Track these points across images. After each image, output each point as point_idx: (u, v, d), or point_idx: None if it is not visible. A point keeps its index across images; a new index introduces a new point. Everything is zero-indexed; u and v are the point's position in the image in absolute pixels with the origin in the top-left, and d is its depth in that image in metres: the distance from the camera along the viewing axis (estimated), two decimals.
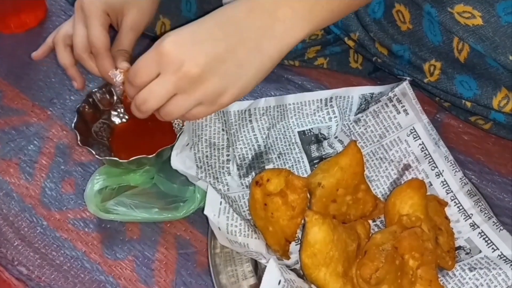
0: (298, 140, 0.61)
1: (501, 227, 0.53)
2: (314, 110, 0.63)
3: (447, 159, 0.57)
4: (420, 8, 0.57)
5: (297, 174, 0.58)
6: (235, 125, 0.61)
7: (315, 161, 0.60)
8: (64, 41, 0.62)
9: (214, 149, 0.58)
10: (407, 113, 0.58)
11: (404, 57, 0.61)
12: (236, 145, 0.60)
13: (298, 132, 0.62)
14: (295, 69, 0.73)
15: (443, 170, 0.56)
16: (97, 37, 0.58)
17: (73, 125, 0.60)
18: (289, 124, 0.62)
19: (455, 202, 0.56)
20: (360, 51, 0.67)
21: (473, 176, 0.61)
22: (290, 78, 0.72)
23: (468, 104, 0.59)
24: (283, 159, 0.60)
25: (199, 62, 0.48)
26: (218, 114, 0.60)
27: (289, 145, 0.61)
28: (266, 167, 0.59)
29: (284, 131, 0.62)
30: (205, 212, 0.50)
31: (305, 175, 0.58)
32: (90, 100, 0.63)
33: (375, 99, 0.60)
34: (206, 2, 0.71)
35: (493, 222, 0.54)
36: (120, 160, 0.56)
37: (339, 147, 0.60)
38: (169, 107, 0.51)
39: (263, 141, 0.60)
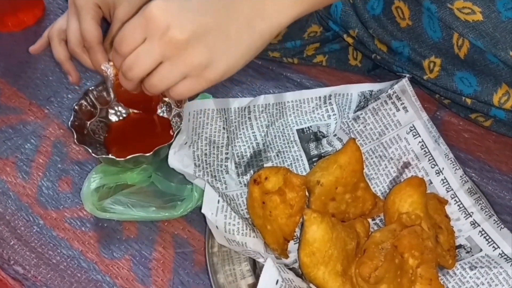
0: (296, 138, 0.61)
1: (502, 225, 0.53)
2: (313, 107, 0.62)
3: (447, 156, 0.56)
4: (419, 4, 0.57)
5: (295, 172, 0.58)
6: (235, 122, 0.60)
7: (314, 159, 0.59)
8: (59, 36, 0.62)
9: (214, 147, 0.57)
10: (407, 111, 0.57)
11: (404, 53, 0.61)
12: (235, 143, 0.59)
13: (297, 130, 0.61)
14: (294, 66, 0.73)
15: (443, 168, 0.56)
16: (89, 31, 0.58)
17: (69, 123, 0.59)
18: (288, 122, 0.61)
19: (455, 200, 0.55)
20: (359, 48, 0.66)
21: (473, 174, 0.61)
22: (289, 75, 0.71)
23: (468, 100, 0.58)
24: (281, 157, 0.59)
25: (185, 28, 0.47)
26: (220, 112, 0.59)
27: (288, 143, 0.60)
28: (265, 165, 0.58)
29: (283, 129, 0.61)
30: (202, 211, 0.49)
31: (304, 173, 0.58)
32: (87, 98, 0.63)
33: (374, 96, 0.60)
34: None
35: (494, 220, 0.53)
36: (117, 159, 0.56)
37: (338, 145, 0.60)
38: (154, 77, 0.49)
39: (262, 139, 0.60)
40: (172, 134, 0.59)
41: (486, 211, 0.54)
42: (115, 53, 0.51)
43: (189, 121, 0.57)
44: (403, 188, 0.52)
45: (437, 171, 0.56)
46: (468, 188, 0.55)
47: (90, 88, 0.63)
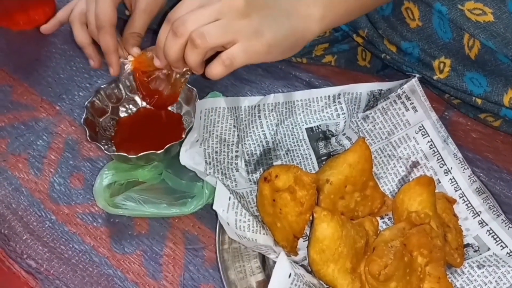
0: (306, 136, 0.61)
1: (510, 225, 0.53)
2: (322, 106, 0.62)
3: (455, 156, 0.57)
4: (429, 5, 0.57)
5: (304, 170, 0.58)
6: (245, 120, 0.61)
7: (323, 158, 0.60)
8: (80, 20, 0.62)
9: (224, 145, 0.58)
10: (416, 110, 0.58)
11: (413, 54, 0.61)
12: (245, 141, 0.60)
13: (306, 128, 0.62)
14: (303, 66, 0.73)
15: (451, 168, 0.56)
16: (103, 10, 0.58)
17: (82, 120, 0.60)
18: (297, 121, 0.62)
19: (463, 199, 0.55)
20: (369, 48, 0.67)
21: (481, 174, 0.61)
22: (297, 75, 0.72)
23: (479, 101, 0.58)
24: (291, 156, 0.60)
25: None
26: (231, 111, 0.60)
27: (297, 141, 0.61)
28: (274, 163, 0.59)
29: (292, 127, 0.61)
30: (214, 207, 0.50)
31: (313, 172, 0.58)
32: (99, 96, 0.64)
33: (383, 95, 0.60)
34: None
35: (502, 219, 0.53)
36: (129, 156, 0.57)
37: (347, 144, 0.60)
38: (206, 27, 0.49)
39: (272, 138, 0.61)
40: (182, 131, 0.59)
41: (494, 211, 0.54)
42: (166, 24, 0.51)
43: (200, 119, 0.58)
44: (412, 187, 0.53)
45: (445, 171, 0.56)
46: (476, 187, 0.55)
47: (102, 86, 0.64)
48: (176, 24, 0.49)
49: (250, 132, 0.60)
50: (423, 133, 0.58)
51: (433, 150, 0.57)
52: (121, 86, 0.65)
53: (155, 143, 0.60)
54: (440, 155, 0.57)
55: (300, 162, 0.59)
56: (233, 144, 0.59)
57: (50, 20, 0.67)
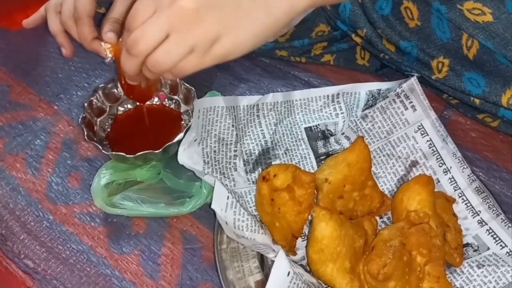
0: (304, 136, 0.61)
1: (510, 224, 0.53)
2: (320, 106, 0.62)
3: (455, 155, 0.56)
4: (428, 5, 0.57)
5: (303, 170, 0.58)
6: (243, 120, 0.61)
7: (321, 157, 0.60)
8: (56, 9, 0.61)
9: (223, 144, 0.58)
10: (415, 109, 0.58)
11: (412, 54, 0.61)
12: (243, 140, 0.60)
13: (305, 128, 0.62)
14: (301, 65, 0.73)
15: (450, 167, 0.56)
16: (82, 2, 0.57)
17: (79, 120, 0.60)
18: (296, 120, 0.62)
19: (463, 199, 0.55)
20: (367, 48, 0.67)
21: (480, 173, 0.61)
22: (296, 74, 0.72)
23: (477, 101, 0.58)
24: (289, 155, 0.59)
25: None
26: (229, 110, 0.59)
27: (296, 141, 0.60)
28: (273, 163, 0.59)
29: (291, 127, 0.61)
30: (212, 207, 0.50)
31: (312, 171, 0.58)
32: (97, 95, 0.64)
33: (382, 95, 0.60)
34: None
35: (502, 219, 0.53)
36: (127, 155, 0.56)
37: (346, 144, 0.60)
38: (159, 52, 0.45)
39: (270, 137, 0.60)
40: (179, 130, 0.59)
41: (493, 210, 0.54)
42: (126, 32, 0.49)
43: (198, 118, 0.58)
44: (411, 186, 0.53)
45: (444, 170, 0.56)
46: (476, 187, 0.55)
47: (100, 86, 0.64)
48: (129, 44, 0.46)
49: (249, 132, 0.60)
50: (422, 132, 0.57)
51: (432, 150, 0.57)
52: (119, 85, 0.65)
53: (153, 141, 0.60)
54: (439, 155, 0.57)
55: (299, 161, 0.59)
56: (231, 143, 0.59)
57: (33, 14, 0.66)
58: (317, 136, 0.61)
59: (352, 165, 0.53)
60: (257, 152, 0.59)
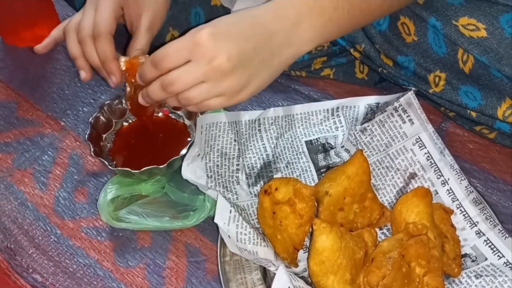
0: (305, 149, 0.62)
1: (507, 235, 0.54)
2: (321, 120, 0.64)
3: (452, 167, 0.58)
4: (424, 21, 0.58)
5: (304, 182, 0.59)
6: (245, 134, 0.62)
7: (322, 170, 0.61)
8: (76, 30, 0.62)
9: (225, 158, 0.59)
10: (413, 123, 0.59)
11: (409, 68, 0.62)
12: (245, 154, 0.61)
13: (306, 141, 0.63)
14: (302, 79, 0.74)
15: (448, 179, 0.57)
16: (104, 18, 0.59)
17: (86, 136, 0.62)
18: (297, 134, 0.63)
19: (460, 210, 0.56)
20: (366, 62, 0.68)
21: (478, 184, 0.62)
22: (297, 88, 0.73)
23: (473, 114, 0.59)
24: (291, 168, 0.61)
25: (232, 56, 0.51)
26: (231, 125, 0.61)
27: (297, 154, 0.62)
28: (274, 176, 0.60)
29: (292, 140, 0.63)
30: (215, 220, 0.51)
31: (313, 184, 0.59)
32: (103, 111, 0.65)
33: (381, 108, 0.61)
34: (214, 14, 0.73)
35: (499, 229, 0.54)
36: (132, 171, 0.58)
37: (345, 156, 0.61)
38: (191, 93, 0.53)
39: (272, 151, 0.62)
40: (183, 146, 0.60)
41: (491, 221, 0.55)
42: (151, 67, 0.54)
43: (201, 133, 0.59)
44: (409, 199, 0.54)
45: (442, 182, 0.57)
46: (473, 198, 0.56)
47: (106, 102, 0.65)
48: (165, 82, 0.53)
49: (251, 146, 0.62)
50: (420, 145, 0.59)
51: (430, 162, 0.58)
52: (124, 101, 0.66)
53: (158, 154, 0.61)
54: (437, 167, 0.58)
55: (300, 174, 0.61)
56: (233, 157, 0.60)
57: (45, 39, 0.68)
58: (318, 149, 0.62)
59: (352, 177, 0.54)
60: (259, 165, 0.61)
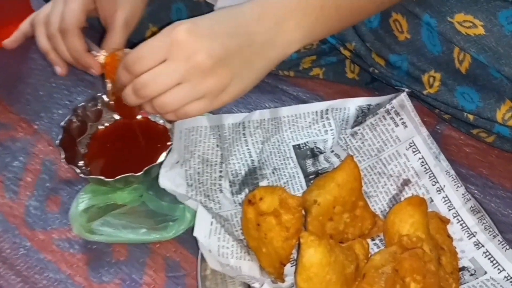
0: (293, 154, 0.59)
1: (507, 246, 0.51)
2: (309, 122, 0.60)
3: (448, 173, 0.54)
4: (418, 17, 0.55)
5: (292, 189, 0.56)
6: (229, 139, 0.58)
7: (310, 176, 0.58)
8: (44, 24, 0.59)
9: (207, 165, 0.56)
10: (406, 126, 0.56)
11: (402, 68, 0.59)
12: (229, 160, 0.57)
13: (293, 146, 0.60)
14: (290, 79, 0.71)
15: (444, 186, 0.54)
16: (72, 12, 0.55)
17: (57, 142, 0.58)
18: (284, 138, 0.60)
19: (457, 219, 0.53)
20: (357, 62, 0.65)
21: (476, 191, 0.59)
22: (285, 89, 0.70)
23: (471, 117, 0.56)
24: (277, 175, 0.57)
25: (213, 53, 0.47)
26: (213, 130, 0.57)
27: (284, 159, 0.58)
28: (260, 183, 0.57)
29: (279, 145, 0.59)
30: (194, 234, 0.47)
31: (301, 191, 0.56)
32: (77, 114, 0.61)
33: (372, 111, 0.58)
34: (196, 10, 0.70)
35: (499, 240, 0.51)
36: (106, 179, 0.54)
37: (335, 161, 0.58)
38: (169, 97, 0.49)
39: (257, 156, 0.58)
40: (163, 150, 0.57)
41: (490, 231, 0.52)
42: (124, 70, 0.50)
43: (180, 139, 0.55)
44: (403, 208, 0.50)
45: (438, 189, 0.54)
46: (471, 206, 0.53)
47: (79, 104, 0.61)
48: (137, 86, 0.49)
49: (235, 151, 0.58)
50: (414, 150, 0.55)
51: (425, 167, 0.55)
52: (99, 103, 0.62)
53: (136, 159, 0.58)
54: (432, 173, 0.55)
55: (287, 181, 0.57)
56: (216, 164, 0.56)
57: (13, 33, 0.64)
58: (306, 154, 0.59)
59: (342, 185, 0.51)
60: (243, 172, 0.57)
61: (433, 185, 0.54)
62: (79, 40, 0.56)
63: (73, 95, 0.70)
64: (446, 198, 0.54)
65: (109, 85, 0.56)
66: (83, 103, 0.62)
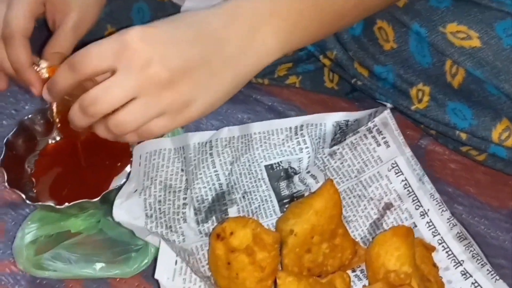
0: (265, 175, 0.54)
1: (497, 277, 0.47)
2: (282, 140, 0.55)
3: (432, 196, 0.51)
4: (405, 26, 0.51)
5: (264, 215, 0.51)
6: (194, 160, 0.53)
7: (285, 201, 0.53)
8: None
9: (170, 192, 0.50)
10: (388, 146, 0.52)
11: (388, 79, 0.55)
12: (194, 185, 0.52)
13: (265, 166, 0.55)
14: (264, 88, 0.66)
15: (428, 209, 0.51)
16: (16, 16, 0.48)
17: None
18: (255, 157, 0.55)
19: (443, 246, 0.50)
20: (338, 72, 0.60)
21: (463, 212, 0.55)
22: (258, 98, 0.65)
23: (463, 135, 0.52)
24: (248, 199, 0.52)
25: (170, 64, 0.42)
26: (178, 152, 0.52)
27: (255, 181, 0.53)
28: (229, 209, 0.51)
29: (249, 165, 0.54)
30: (156, 276, 0.42)
31: (274, 217, 0.51)
32: (23, 129, 0.54)
33: (351, 127, 0.54)
34: (160, 10, 0.63)
35: (488, 270, 0.48)
36: (56, 206, 0.48)
37: (312, 183, 0.53)
38: (124, 115, 0.42)
39: (226, 179, 0.53)
40: (129, 160, 0.51)
41: (478, 259, 0.48)
42: (67, 70, 0.43)
43: (140, 165, 0.49)
44: (388, 239, 0.46)
45: (422, 213, 0.51)
46: (457, 232, 0.50)
47: (27, 117, 0.55)
48: (85, 102, 0.42)
49: (201, 174, 0.53)
50: (397, 171, 0.52)
51: (408, 190, 0.51)
52: (49, 115, 0.55)
53: (92, 182, 0.52)
54: (416, 196, 0.51)
55: (259, 205, 0.52)
56: (180, 190, 0.51)
57: None
58: (279, 175, 0.54)
59: (320, 213, 0.46)
60: (210, 198, 0.52)
61: (417, 209, 0.51)
62: (24, 50, 0.49)
63: (20, 103, 0.64)
64: (431, 223, 0.50)
65: (54, 105, 0.49)
66: (31, 115, 0.55)
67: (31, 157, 0.54)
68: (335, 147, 0.53)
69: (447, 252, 0.49)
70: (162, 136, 0.53)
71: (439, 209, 0.50)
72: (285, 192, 0.53)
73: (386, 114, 0.52)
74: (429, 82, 0.52)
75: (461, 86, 0.50)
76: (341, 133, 0.54)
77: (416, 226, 0.50)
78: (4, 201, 0.54)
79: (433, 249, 0.49)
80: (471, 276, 0.48)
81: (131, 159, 0.53)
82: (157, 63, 0.41)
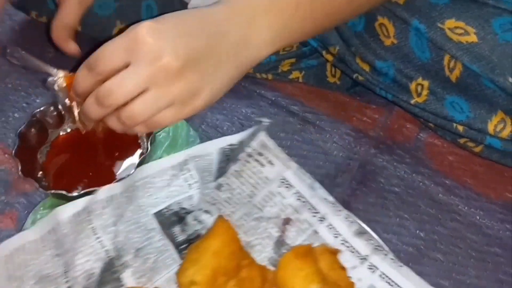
0: (156, 224, 0.49)
1: (400, 264, 0.47)
2: (168, 180, 0.52)
3: (327, 200, 0.51)
4: (405, 22, 0.53)
5: (164, 266, 0.47)
6: (70, 235, 0.48)
7: (183, 246, 0.48)
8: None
9: (47, 281, 0.46)
10: (272, 164, 0.52)
11: (389, 74, 0.56)
12: (75, 262, 0.46)
13: (154, 214, 0.50)
14: (268, 83, 0.67)
15: (325, 213, 0.50)
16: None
17: (13, 152, 0.52)
18: (141, 207, 0.50)
19: (346, 245, 0.49)
20: (340, 67, 0.62)
21: (459, 203, 0.56)
22: (262, 93, 0.66)
23: (460, 128, 0.54)
24: (142, 256, 0.47)
25: (180, 54, 0.44)
26: (46, 238, 0.49)
27: (146, 234, 0.48)
28: (122, 276, 0.46)
29: (136, 217, 0.49)
30: None
31: (174, 266, 0.47)
32: (35, 120, 0.56)
33: (235, 152, 0.53)
34: (168, 7, 0.65)
35: (391, 258, 0.47)
36: (68, 194, 0.49)
37: (207, 218, 0.50)
38: (136, 105, 0.45)
39: (112, 242, 0.48)
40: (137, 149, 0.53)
41: (380, 250, 0.48)
42: (86, 71, 0.46)
43: None
44: (290, 262, 0.45)
45: (320, 219, 0.50)
46: (356, 229, 0.49)
47: (39, 109, 0.56)
48: (101, 94, 0.45)
49: (81, 247, 0.47)
50: (287, 185, 0.51)
51: (302, 201, 0.51)
52: (61, 108, 0.57)
53: (101, 172, 0.54)
54: (310, 204, 0.50)
55: (156, 259, 0.47)
56: (59, 275, 0.46)
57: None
58: (171, 220, 0.50)
59: (219, 253, 0.44)
60: (98, 270, 0.46)
61: (314, 216, 0.50)
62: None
63: (31, 97, 0.64)
64: (331, 226, 0.49)
65: (76, 112, 0.52)
66: (42, 108, 0.56)
67: (43, 148, 0.56)
68: (220, 180, 0.51)
69: (351, 250, 0.48)
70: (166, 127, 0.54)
71: (335, 209, 0.50)
72: (181, 237, 0.49)
73: (263, 136, 0.52)
74: (428, 76, 0.54)
75: (459, 80, 0.51)
76: (226, 161, 0.53)
77: (317, 232, 0.49)
78: (17, 191, 0.55)
79: (337, 251, 0.48)
80: (377, 268, 0.47)
81: (139, 150, 0.55)
82: (167, 55, 0.43)
